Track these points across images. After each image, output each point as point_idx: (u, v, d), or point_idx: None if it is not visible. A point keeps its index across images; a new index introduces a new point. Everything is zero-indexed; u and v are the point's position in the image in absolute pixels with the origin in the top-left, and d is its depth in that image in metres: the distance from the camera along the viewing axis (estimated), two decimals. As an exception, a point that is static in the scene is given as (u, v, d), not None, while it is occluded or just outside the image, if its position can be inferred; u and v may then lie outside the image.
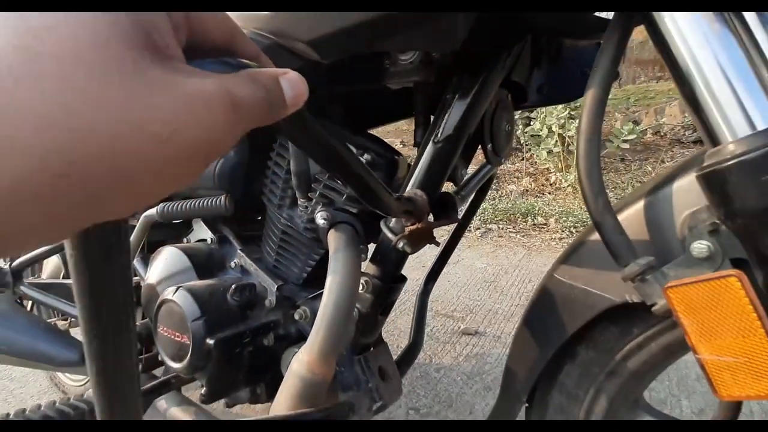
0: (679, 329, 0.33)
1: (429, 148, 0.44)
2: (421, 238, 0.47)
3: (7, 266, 0.75)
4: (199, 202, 0.48)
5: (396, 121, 0.65)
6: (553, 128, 2.33)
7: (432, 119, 0.46)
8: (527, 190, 2.43)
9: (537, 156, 2.51)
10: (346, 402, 0.48)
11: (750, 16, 0.33)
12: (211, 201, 0.48)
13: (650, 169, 2.36)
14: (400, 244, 0.45)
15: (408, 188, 0.45)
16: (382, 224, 0.48)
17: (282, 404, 0.43)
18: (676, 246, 0.29)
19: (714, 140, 0.25)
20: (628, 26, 0.29)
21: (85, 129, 0.11)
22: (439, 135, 0.43)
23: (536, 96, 0.51)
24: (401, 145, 2.81)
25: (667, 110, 2.80)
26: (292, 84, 0.16)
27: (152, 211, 0.50)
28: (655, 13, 0.26)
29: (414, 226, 0.44)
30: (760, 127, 0.23)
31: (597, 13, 0.34)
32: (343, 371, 0.50)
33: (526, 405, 0.46)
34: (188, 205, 0.48)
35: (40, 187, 0.11)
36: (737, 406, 0.31)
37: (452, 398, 0.98)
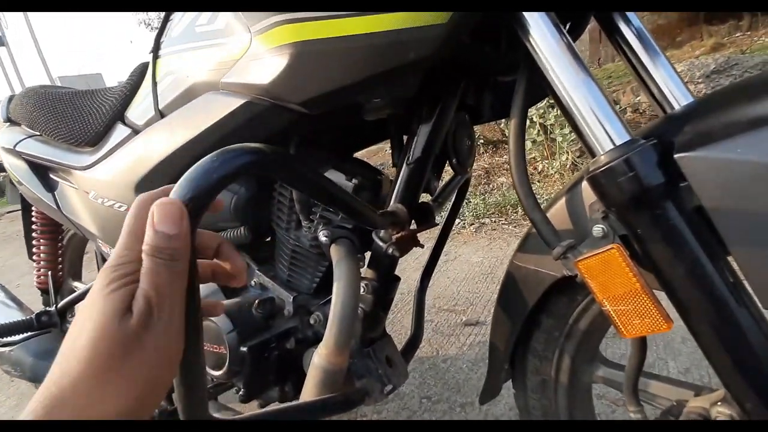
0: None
1: (404, 169, 0.54)
2: (407, 244, 0.57)
3: (53, 309, 0.85)
4: (224, 234, 0.58)
5: (376, 143, 0.75)
6: (534, 118, 2.43)
7: (405, 143, 0.56)
8: (518, 182, 2.52)
9: (523, 148, 2.61)
10: (361, 387, 0.58)
11: (639, 49, 0.43)
12: (233, 232, 0.58)
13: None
14: (390, 250, 0.55)
15: (391, 203, 0.55)
16: (373, 235, 0.58)
17: (309, 392, 0.53)
18: (587, 229, 0.39)
19: (592, 152, 0.34)
20: (532, 77, 0.39)
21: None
22: (410, 157, 0.53)
23: (490, 112, 0.61)
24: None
25: (623, 99, 2.90)
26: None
27: None
28: (542, 70, 0.36)
29: (399, 234, 0.54)
30: (617, 142, 0.33)
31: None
32: (356, 362, 0.59)
33: (509, 369, 0.56)
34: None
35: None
36: (643, 344, 0.40)
37: (459, 384, 1.07)
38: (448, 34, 0.33)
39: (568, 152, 2.36)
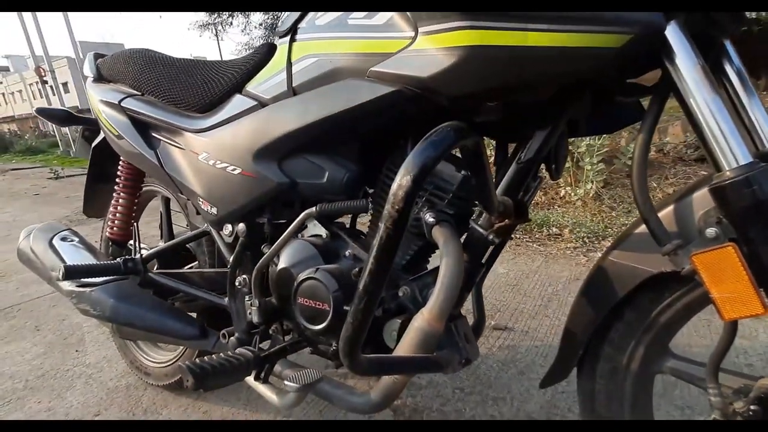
0: (695, 292, 0.50)
1: (513, 167, 0.61)
2: (504, 233, 0.64)
3: (138, 257, 0.91)
4: (347, 204, 0.65)
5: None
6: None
7: (514, 146, 0.63)
8: (537, 203, 2.61)
9: (545, 172, 2.70)
10: (444, 356, 0.64)
11: (738, 87, 0.51)
12: (355, 202, 0.65)
13: (655, 185, 2.55)
14: (491, 237, 0.62)
15: (498, 196, 0.62)
16: (471, 222, 0.65)
17: (405, 347, 0.59)
18: (694, 233, 0.46)
19: (717, 167, 0.42)
20: (664, 100, 0.47)
21: None
22: (522, 157, 0.60)
23: (585, 128, 0.69)
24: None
25: (669, 129, 3.02)
26: None
27: (312, 209, 0.66)
28: (679, 87, 0.44)
29: (502, 223, 0.61)
30: (741, 162, 0.40)
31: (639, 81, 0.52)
32: (442, 335, 0.66)
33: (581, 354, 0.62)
34: (340, 205, 0.65)
35: None
36: (734, 330, 0.48)
37: (491, 381, 1.13)
38: (618, 58, 0.41)
39: (593, 181, 2.45)
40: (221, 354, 0.66)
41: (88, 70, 1.10)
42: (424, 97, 0.54)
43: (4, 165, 9.50)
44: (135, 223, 1.03)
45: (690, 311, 0.53)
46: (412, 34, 0.53)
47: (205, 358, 0.64)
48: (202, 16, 8.06)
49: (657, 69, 0.47)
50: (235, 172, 0.75)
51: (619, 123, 0.68)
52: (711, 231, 0.43)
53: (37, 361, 1.46)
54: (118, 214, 1.05)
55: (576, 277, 1.71)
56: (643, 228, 0.53)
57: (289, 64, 0.69)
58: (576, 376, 0.65)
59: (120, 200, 1.05)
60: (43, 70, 10.57)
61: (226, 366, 0.64)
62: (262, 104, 0.73)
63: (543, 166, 0.66)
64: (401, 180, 0.34)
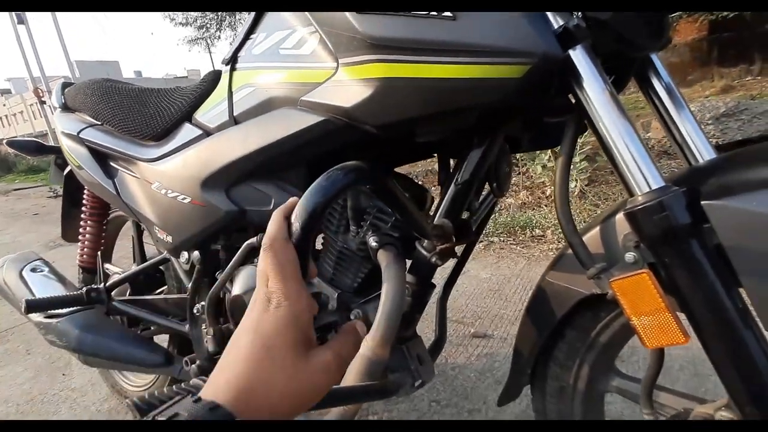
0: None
1: (452, 188, 0.61)
2: (447, 255, 0.63)
3: (102, 286, 0.91)
4: None
5: (417, 161, 0.82)
6: (548, 146, 2.52)
7: (453, 163, 0.63)
8: (525, 203, 2.60)
9: (532, 170, 2.69)
10: (395, 380, 0.64)
11: (667, 100, 0.51)
12: None
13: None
14: (433, 259, 0.62)
15: (437, 218, 0.62)
16: (417, 244, 0.65)
17: (350, 380, 0.59)
18: (619, 255, 0.46)
19: (630, 192, 0.42)
20: (580, 121, 0.46)
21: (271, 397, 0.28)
22: (459, 179, 0.60)
23: (528, 144, 0.68)
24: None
25: (653, 123, 3.00)
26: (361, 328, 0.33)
27: (253, 239, 0.66)
28: (588, 112, 0.43)
29: (443, 246, 0.61)
30: (653, 185, 0.40)
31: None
32: (391, 357, 0.65)
33: (529, 375, 0.62)
34: None
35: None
36: (661, 356, 0.47)
37: (467, 391, 1.13)
38: (521, 87, 0.41)
39: (577, 180, 2.43)
40: (173, 387, 0.66)
41: (55, 100, 1.10)
42: (350, 125, 0.54)
43: (8, 185, 9.60)
44: (101, 251, 1.03)
45: (630, 330, 0.53)
46: (335, 64, 0.53)
47: (155, 392, 0.64)
48: (190, 32, 8.15)
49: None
50: (186, 201, 0.75)
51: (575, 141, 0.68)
52: (630, 255, 0.43)
53: (27, 386, 1.47)
54: (86, 242, 1.06)
55: (561, 279, 1.69)
56: (574, 248, 0.52)
57: (230, 93, 0.69)
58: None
59: (88, 228, 1.05)
60: (41, 90, 10.66)
61: (175, 398, 0.64)
62: (207, 133, 0.73)
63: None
64: (292, 226, 0.34)
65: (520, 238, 2.08)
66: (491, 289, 1.66)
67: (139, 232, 1.12)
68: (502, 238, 2.12)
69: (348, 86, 0.51)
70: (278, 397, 0.28)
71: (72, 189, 1.18)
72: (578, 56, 0.42)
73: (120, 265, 1.22)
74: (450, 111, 0.46)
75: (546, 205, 2.45)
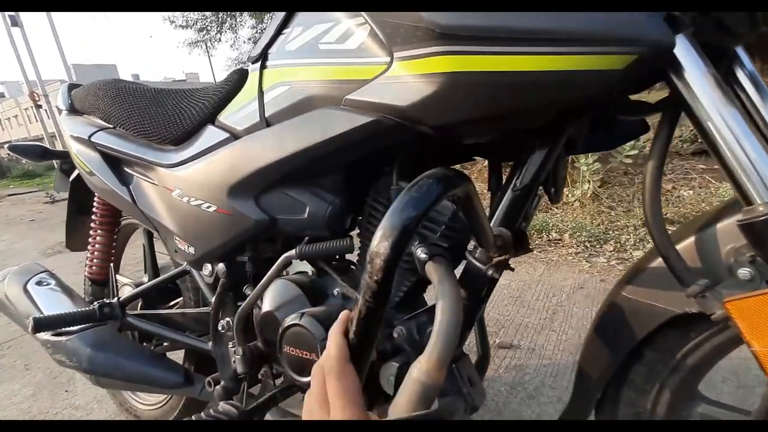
0: (727, 332, 0.44)
1: (509, 194, 0.56)
2: (503, 266, 0.58)
3: (115, 300, 0.85)
4: (330, 244, 0.59)
5: (461, 162, 0.76)
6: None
7: (509, 169, 0.57)
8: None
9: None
10: (447, 405, 0.58)
11: (754, 95, 0.46)
12: (339, 242, 0.59)
13: (653, 183, 2.49)
14: (490, 272, 0.56)
15: (492, 227, 0.57)
16: (468, 255, 0.59)
17: (402, 406, 0.53)
18: (722, 270, 0.40)
19: (747, 200, 0.36)
20: (675, 119, 0.41)
21: None
22: (518, 184, 0.55)
23: (583, 145, 0.63)
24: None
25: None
26: None
27: (292, 252, 0.61)
28: (691, 104, 0.38)
29: (501, 257, 0.56)
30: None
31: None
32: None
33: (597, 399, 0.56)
34: (322, 246, 0.60)
35: None
36: None
37: (500, 407, 1.07)
38: (621, 80, 0.35)
39: (590, 182, 2.39)
40: (201, 414, 0.60)
41: (61, 102, 1.04)
42: (404, 126, 0.48)
43: (2, 191, 9.47)
44: (113, 262, 0.97)
45: (722, 351, 0.47)
46: (388, 59, 0.47)
47: (184, 420, 0.58)
48: (191, 34, 8.06)
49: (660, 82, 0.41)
50: (210, 209, 0.69)
51: (621, 138, 0.62)
52: (744, 272, 0.37)
53: (25, 405, 1.40)
54: (96, 253, 0.99)
55: (579, 285, 1.64)
56: (659, 262, 0.47)
57: (261, 92, 0.63)
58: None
59: (98, 238, 0.99)
60: (37, 94, 10.54)
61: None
62: (235, 136, 0.67)
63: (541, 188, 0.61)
64: (378, 246, 0.29)
65: (537, 242, 2.03)
66: (512, 296, 1.61)
67: (151, 241, 1.05)
68: (517, 243, 2.07)
69: (405, 83, 0.45)
70: None
71: (79, 196, 1.12)
72: (682, 45, 0.36)
73: (127, 275, 1.16)
74: (525, 110, 0.41)
75: (558, 208, 2.41)
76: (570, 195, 2.50)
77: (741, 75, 0.49)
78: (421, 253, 0.58)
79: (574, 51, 0.36)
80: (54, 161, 1.21)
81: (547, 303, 1.54)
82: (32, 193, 8.23)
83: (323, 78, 0.54)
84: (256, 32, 7.28)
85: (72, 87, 1.05)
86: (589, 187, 2.45)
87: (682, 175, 2.63)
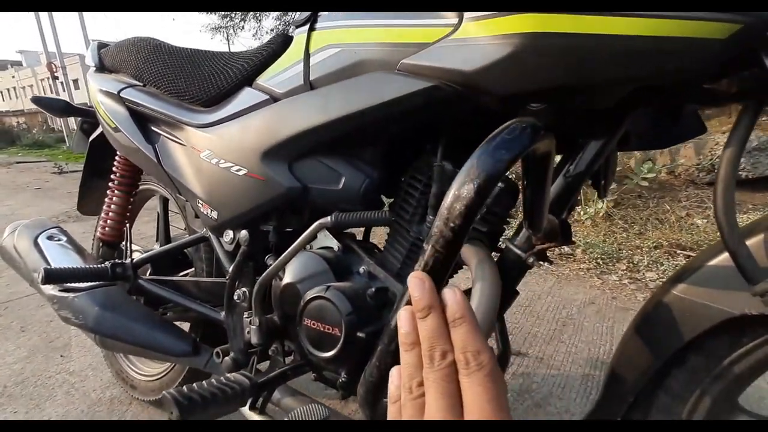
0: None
1: (560, 180, 0.53)
2: (545, 256, 0.56)
3: (129, 261, 0.83)
4: (366, 214, 0.57)
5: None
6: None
7: (561, 158, 0.55)
8: (547, 221, 2.52)
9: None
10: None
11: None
12: (376, 214, 0.57)
13: (667, 207, 2.46)
14: (530, 260, 0.54)
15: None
16: (507, 242, 0.57)
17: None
18: (795, 270, 0.38)
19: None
20: (759, 109, 0.39)
21: None
22: (570, 171, 0.52)
23: (636, 142, 0.61)
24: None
25: (681, 151, 2.95)
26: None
27: (326, 219, 0.58)
28: None
29: (544, 245, 0.53)
30: None
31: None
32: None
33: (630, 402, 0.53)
34: (358, 216, 0.57)
35: None
36: None
37: (505, 412, 1.04)
38: (720, 53, 0.33)
39: (604, 200, 2.37)
40: (213, 380, 0.58)
41: (90, 59, 1.03)
42: (464, 95, 0.46)
43: (10, 158, 9.48)
44: (128, 224, 0.95)
45: (772, 361, 0.45)
46: (455, 20, 0.45)
47: (194, 385, 0.56)
48: (214, 18, 8.09)
49: (745, 71, 0.39)
50: (240, 173, 0.67)
51: (676, 137, 0.60)
52: (822, 271, 0.35)
53: (18, 366, 1.37)
54: (111, 213, 0.97)
55: (590, 300, 1.61)
56: (719, 259, 0.45)
57: (307, 55, 0.61)
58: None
59: (114, 198, 0.97)
60: (55, 66, 10.61)
61: (217, 395, 0.56)
62: (274, 99, 0.65)
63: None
64: (460, 189, 0.26)
65: (548, 254, 2.00)
66: (521, 305, 1.58)
67: (166, 210, 1.03)
68: (527, 253, 2.04)
69: (473, 45, 0.43)
70: None
71: (95, 158, 1.10)
72: (781, 24, 0.34)
73: (138, 243, 1.14)
74: (607, 81, 0.39)
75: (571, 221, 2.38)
76: (582, 213, 2.47)
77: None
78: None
79: (671, 15, 0.33)
80: (75, 119, 1.19)
81: (557, 314, 1.51)
82: (40, 162, 8.23)
83: (379, 40, 0.52)
84: (280, 24, 7.30)
85: (102, 46, 1.03)
86: (602, 207, 2.42)
87: (697, 203, 2.61)
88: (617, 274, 1.82)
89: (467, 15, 0.44)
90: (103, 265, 0.80)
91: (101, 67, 0.99)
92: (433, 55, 0.47)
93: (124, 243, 1.00)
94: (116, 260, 0.82)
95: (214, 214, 0.72)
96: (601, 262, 1.92)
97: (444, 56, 0.46)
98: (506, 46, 0.40)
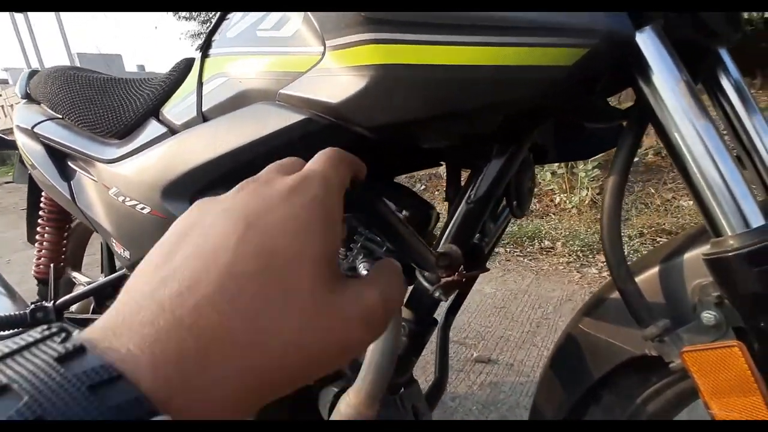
0: (690, 381, 0.38)
1: (462, 207, 0.50)
2: (453, 287, 0.52)
3: (50, 304, 0.79)
4: None
5: (421, 169, 0.70)
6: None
7: (464, 179, 0.51)
8: (532, 211, 2.48)
9: (541, 177, 2.58)
10: (386, 439, 0.52)
11: (738, 105, 0.40)
12: None
13: (653, 190, 2.42)
14: (437, 294, 0.50)
15: (442, 243, 0.51)
16: (417, 274, 0.53)
17: (332, 438, 0.48)
18: (686, 310, 0.34)
19: (716, 231, 0.30)
20: (640, 131, 0.35)
21: (268, 351, 0.14)
22: (472, 196, 0.49)
23: (555, 154, 0.57)
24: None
25: None
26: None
27: None
28: (657, 113, 0.32)
29: (449, 278, 0.49)
30: (752, 224, 0.28)
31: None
32: (381, 412, 0.54)
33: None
34: None
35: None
36: None
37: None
38: (570, 79, 0.29)
39: (588, 188, 2.33)
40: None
41: (17, 89, 0.99)
42: (339, 125, 0.43)
43: (0, 178, 9.43)
44: (51, 263, 0.91)
45: (686, 399, 0.41)
46: (321, 48, 0.41)
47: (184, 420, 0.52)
48: (194, 26, 7.99)
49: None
50: (145, 211, 0.63)
51: (599, 146, 0.56)
52: (709, 316, 0.31)
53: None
54: (43, 251, 0.94)
55: (568, 297, 1.58)
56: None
57: (200, 84, 0.57)
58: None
59: (45, 236, 0.93)
60: (39, 81, 10.51)
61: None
62: (172, 131, 0.61)
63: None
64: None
65: (528, 249, 1.96)
66: (496, 306, 1.55)
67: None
68: (508, 249, 2.01)
69: (335, 76, 0.39)
70: (278, 357, 0.15)
71: (36, 189, 1.06)
72: (647, 39, 0.30)
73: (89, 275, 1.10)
74: (466, 112, 0.35)
75: (554, 214, 2.34)
76: (568, 202, 2.43)
77: (725, 82, 0.43)
78: (363, 268, 0.52)
79: (516, 42, 0.30)
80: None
81: (532, 315, 1.48)
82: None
83: (260, 69, 0.49)
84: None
85: (32, 74, 0.99)
86: (587, 194, 2.38)
87: (683, 184, 2.56)
88: (597, 267, 1.78)
89: (328, 43, 0.40)
90: (22, 311, 0.77)
91: (28, 98, 0.95)
92: (305, 86, 0.43)
93: (74, 275, 0.96)
94: (39, 303, 0.79)
95: (127, 254, 0.69)
96: (581, 255, 1.88)
97: (313, 87, 0.42)
98: (360, 78, 0.37)
